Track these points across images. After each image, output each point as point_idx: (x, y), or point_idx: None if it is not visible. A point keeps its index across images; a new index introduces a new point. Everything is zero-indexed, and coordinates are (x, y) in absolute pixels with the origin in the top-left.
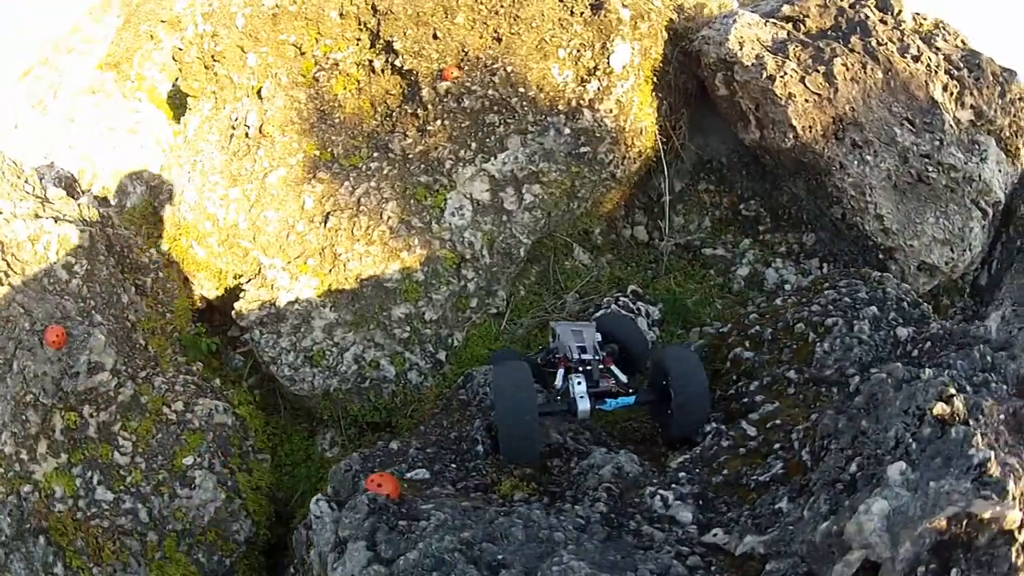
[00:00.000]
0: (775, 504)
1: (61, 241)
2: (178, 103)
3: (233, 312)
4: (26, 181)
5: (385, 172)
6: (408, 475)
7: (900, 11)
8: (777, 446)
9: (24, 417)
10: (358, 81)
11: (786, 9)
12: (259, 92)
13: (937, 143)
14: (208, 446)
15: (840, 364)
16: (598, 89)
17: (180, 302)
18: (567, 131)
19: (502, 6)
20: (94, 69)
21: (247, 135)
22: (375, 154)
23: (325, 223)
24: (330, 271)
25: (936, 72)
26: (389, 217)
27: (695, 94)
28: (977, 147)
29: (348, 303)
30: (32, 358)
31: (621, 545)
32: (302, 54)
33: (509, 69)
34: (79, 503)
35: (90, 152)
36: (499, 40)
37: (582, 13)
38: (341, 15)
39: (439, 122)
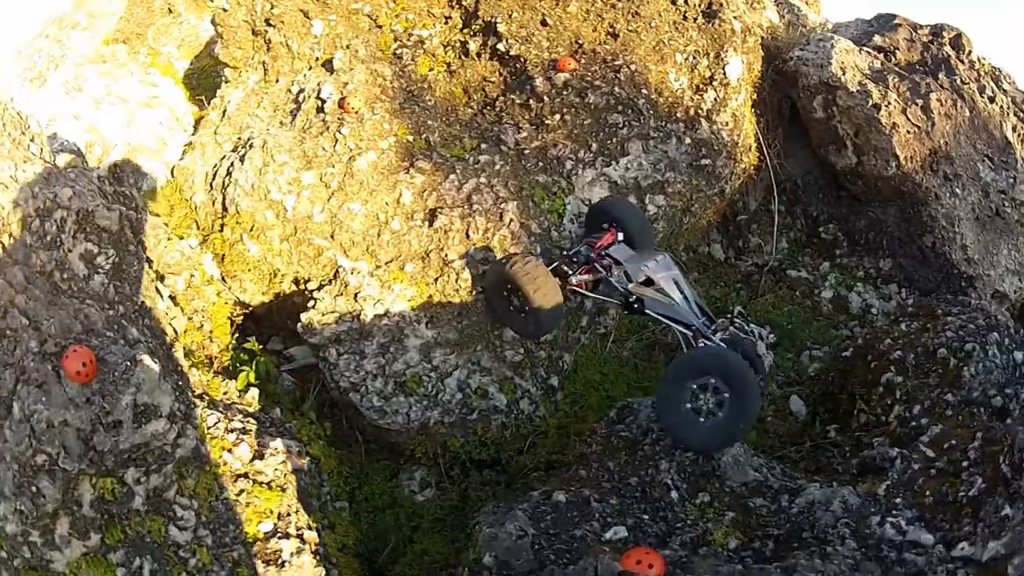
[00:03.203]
0: (999, 512)
1: (81, 220)
2: (197, 84)
3: (299, 325)
4: (32, 139)
5: (497, 168)
6: (606, 535)
7: (970, 51)
8: (965, 464)
9: (34, 488)
10: (447, 63)
11: (877, 39)
12: (325, 64)
13: (1011, 180)
14: (289, 505)
15: (983, 387)
16: (715, 100)
17: (218, 308)
18: (687, 141)
19: (620, 0)
20: (101, 44)
21: (320, 110)
22: (483, 146)
23: (431, 222)
24: (436, 280)
25: (1008, 113)
26: (511, 220)
27: (787, 113)
28: None
29: (452, 319)
30: (44, 399)
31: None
32: (378, 27)
33: (632, 68)
34: None
35: (99, 124)
36: (615, 36)
37: (696, 19)
38: None
39: (557, 116)
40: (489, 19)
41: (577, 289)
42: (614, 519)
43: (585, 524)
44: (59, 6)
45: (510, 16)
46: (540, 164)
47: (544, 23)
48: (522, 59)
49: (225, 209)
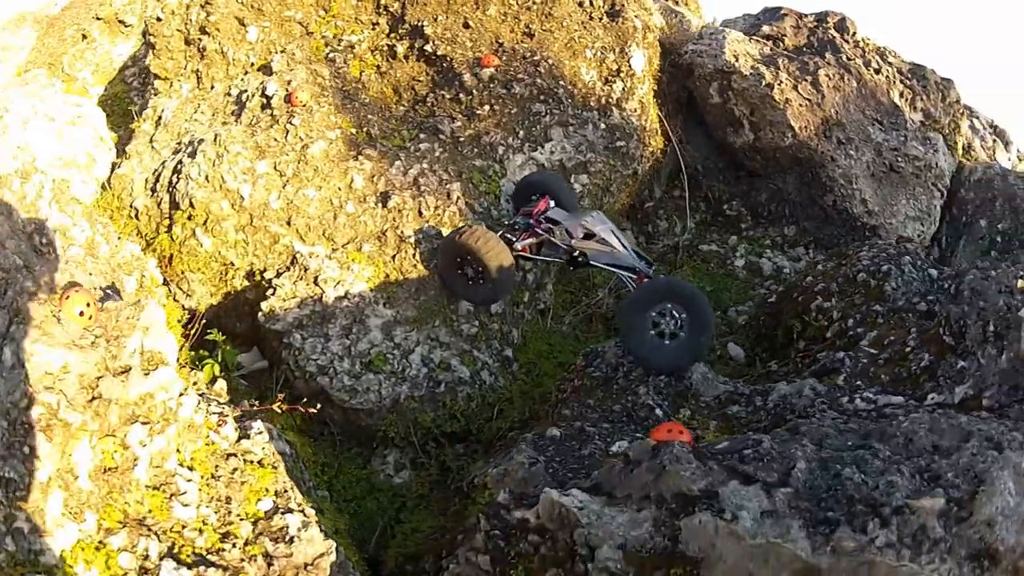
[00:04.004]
0: (956, 366)
1: (56, 189)
2: (111, 110)
3: (260, 314)
4: None
5: (437, 154)
6: (612, 448)
7: (855, 32)
8: (907, 349)
9: (27, 448)
10: (377, 66)
11: (765, 29)
12: (262, 69)
13: (902, 139)
14: (284, 482)
15: (907, 295)
16: (623, 89)
17: (169, 310)
18: (603, 126)
19: (534, 2)
20: (14, 76)
21: (267, 106)
22: (422, 135)
23: (384, 203)
24: (393, 257)
25: (894, 82)
26: (458, 198)
27: (684, 103)
28: (930, 142)
29: (409, 297)
30: (45, 339)
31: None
32: (309, 34)
33: (550, 62)
34: None
35: (29, 142)
36: (531, 36)
37: (600, 19)
38: None
39: (487, 107)
40: (415, 23)
41: (522, 254)
42: (613, 437)
43: (589, 444)
44: None
45: (435, 19)
46: (475, 150)
47: (466, 25)
48: (448, 58)
49: (175, 207)
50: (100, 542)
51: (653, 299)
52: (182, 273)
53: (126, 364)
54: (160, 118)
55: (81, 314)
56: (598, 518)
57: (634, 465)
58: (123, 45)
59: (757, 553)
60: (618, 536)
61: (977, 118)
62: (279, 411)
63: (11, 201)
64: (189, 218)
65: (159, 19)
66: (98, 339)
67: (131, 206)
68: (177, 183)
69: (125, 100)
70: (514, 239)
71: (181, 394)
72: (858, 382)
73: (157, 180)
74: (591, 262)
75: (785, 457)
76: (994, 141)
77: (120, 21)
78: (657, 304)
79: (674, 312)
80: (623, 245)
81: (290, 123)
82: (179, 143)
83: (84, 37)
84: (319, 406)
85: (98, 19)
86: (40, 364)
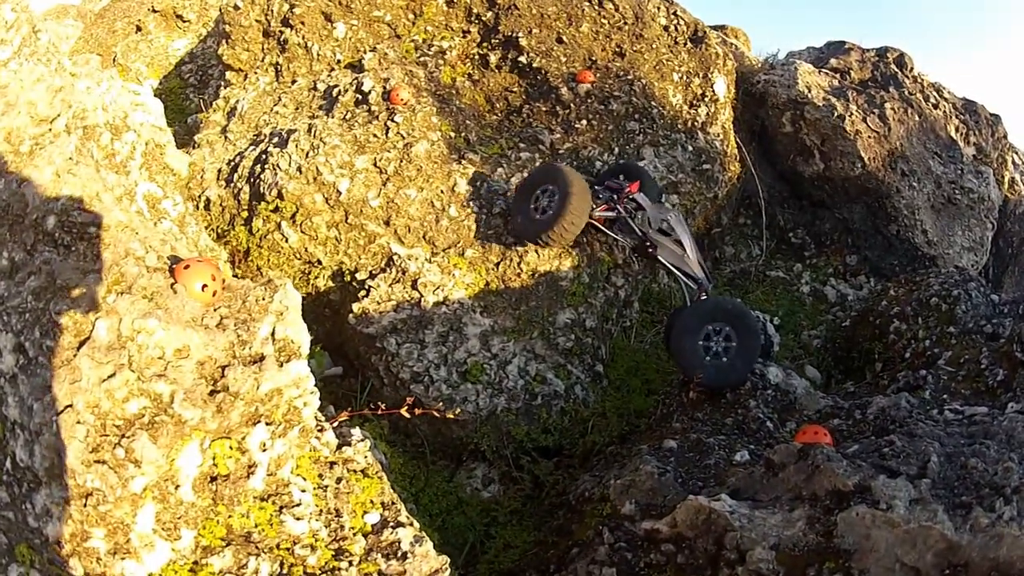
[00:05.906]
0: None
1: (149, 152)
2: (165, 105)
3: (351, 315)
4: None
5: (537, 164)
6: (736, 458)
7: (912, 68)
8: (982, 367)
9: (122, 451)
10: (469, 74)
11: (833, 62)
12: (351, 66)
13: (959, 171)
14: (392, 494)
15: (975, 319)
16: (707, 114)
17: None
18: (690, 148)
19: (625, 23)
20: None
21: (361, 102)
22: (522, 145)
23: (490, 208)
24: (497, 264)
25: (951, 117)
26: None
27: (758, 131)
28: (982, 175)
29: (508, 306)
30: (156, 314)
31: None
32: (397, 36)
33: (643, 82)
34: None
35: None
36: (622, 55)
37: (685, 44)
38: (449, 3)
39: (584, 122)
40: (509, 34)
41: (595, 223)
42: (731, 449)
43: (711, 455)
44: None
45: (529, 32)
46: (574, 163)
47: (560, 40)
48: (543, 71)
49: (259, 198)
50: (195, 563)
51: (714, 314)
52: (258, 269)
53: (259, 352)
54: (234, 109)
55: (204, 288)
56: (750, 521)
57: (779, 469)
58: (180, 40)
59: (907, 539)
60: (771, 536)
61: (1016, 153)
62: (370, 418)
63: (98, 156)
64: (275, 210)
65: (237, 7)
66: (225, 320)
67: (202, 196)
68: (262, 173)
69: (180, 95)
70: (593, 206)
71: (311, 391)
72: (943, 396)
73: (234, 170)
74: (658, 257)
75: (919, 453)
76: None
77: (178, 16)
78: (710, 323)
79: (728, 335)
80: (695, 254)
81: (391, 120)
82: (258, 134)
83: (138, 29)
84: (410, 414)
85: (154, 11)
86: (149, 344)
